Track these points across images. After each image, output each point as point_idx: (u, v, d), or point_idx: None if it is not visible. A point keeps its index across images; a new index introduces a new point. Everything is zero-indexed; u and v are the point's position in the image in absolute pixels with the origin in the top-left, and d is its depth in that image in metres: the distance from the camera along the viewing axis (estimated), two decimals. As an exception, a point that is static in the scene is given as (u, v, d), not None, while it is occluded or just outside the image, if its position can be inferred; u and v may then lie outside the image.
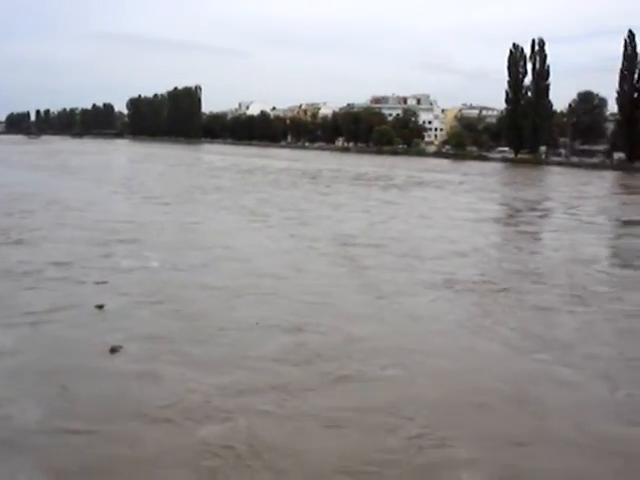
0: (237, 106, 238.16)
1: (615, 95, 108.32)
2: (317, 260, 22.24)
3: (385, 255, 23.21)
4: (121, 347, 12.53)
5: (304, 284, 18.45)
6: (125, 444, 8.83)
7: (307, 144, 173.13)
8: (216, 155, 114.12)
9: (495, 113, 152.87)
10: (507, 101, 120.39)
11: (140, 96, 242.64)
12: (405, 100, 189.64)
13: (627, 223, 37.94)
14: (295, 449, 8.78)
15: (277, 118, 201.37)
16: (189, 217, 32.67)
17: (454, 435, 9.35)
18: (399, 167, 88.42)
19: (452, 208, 40.06)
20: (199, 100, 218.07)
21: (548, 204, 46.97)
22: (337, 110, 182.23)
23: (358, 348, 12.98)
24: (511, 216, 39.37)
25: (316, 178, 65.13)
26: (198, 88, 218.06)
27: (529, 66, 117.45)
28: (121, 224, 28.61)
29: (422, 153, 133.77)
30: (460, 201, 45.22)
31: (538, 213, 41.17)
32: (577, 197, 52.71)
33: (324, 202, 41.80)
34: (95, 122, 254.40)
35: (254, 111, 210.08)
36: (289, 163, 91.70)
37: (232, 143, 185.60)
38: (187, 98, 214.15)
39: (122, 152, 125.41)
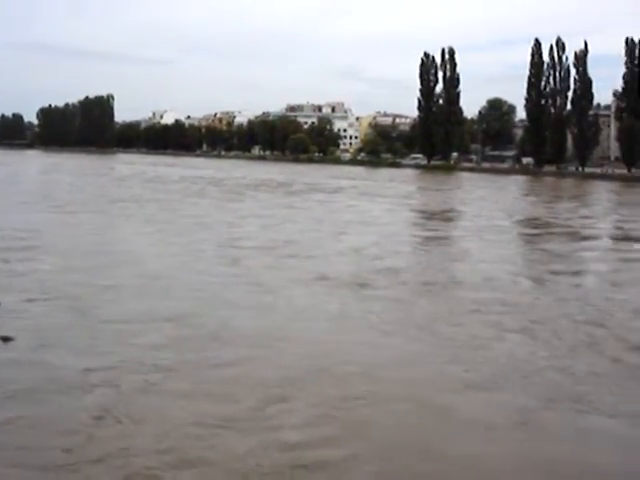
0: (151, 115, 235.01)
1: (523, 102, 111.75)
2: (205, 261, 22.73)
3: (269, 255, 23.80)
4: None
5: (191, 282, 19.00)
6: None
7: (223, 153, 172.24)
8: (127, 165, 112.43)
9: (408, 121, 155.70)
10: (419, 109, 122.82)
11: (51, 106, 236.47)
12: (320, 108, 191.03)
13: (520, 221, 39.76)
14: (154, 413, 9.75)
15: (192, 127, 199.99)
16: (92, 224, 32.61)
17: (298, 395, 10.55)
18: (310, 174, 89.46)
19: (350, 212, 40.99)
20: (112, 109, 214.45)
21: (443, 207, 48.76)
22: (253, 118, 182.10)
23: (229, 333, 14.05)
24: (404, 220, 39.79)
25: (223, 186, 64.72)
26: (110, 97, 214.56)
27: (440, 74, 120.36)
28: (22, 232, 28.13)
29: (338, 161, 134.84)
30: (360, 206, 46.11)
31: (430, 216, 42.62)
32: (473, 199, 54.89)
33: (226, 208, 42.27)
34: (4, 133, 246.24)
35: (168, 120, 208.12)
36: (202, 172, 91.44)
37: (146, 152, 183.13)
38: (99, 107, 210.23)
39: (31, 163, 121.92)
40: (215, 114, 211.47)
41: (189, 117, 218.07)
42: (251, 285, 18.66)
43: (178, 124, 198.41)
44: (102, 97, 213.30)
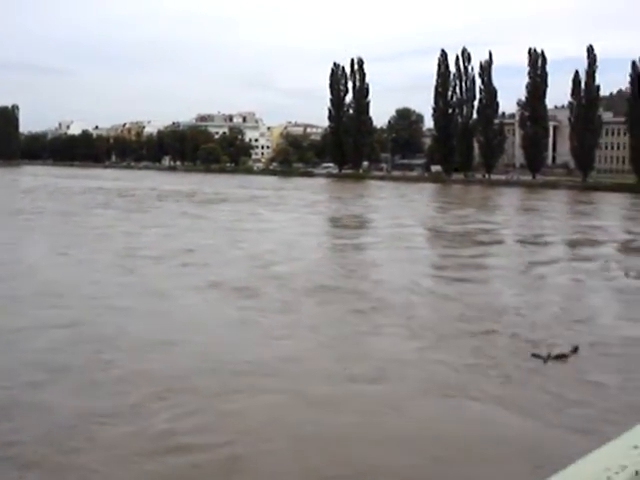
0: (57, 126, 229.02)
1: (431, 111, 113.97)
2: (102, 271, 22.60)
3: (166, 264, 23.92)
4: None
5: (86, 291, 18.98)
6: None
7: (132, 164, 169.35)
8: (32, 177, 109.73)
9: (319, 130, 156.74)
10: (330, 118, 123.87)
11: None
12: (231, 118, 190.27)
13: (422, 227, 41.10)
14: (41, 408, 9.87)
15: (100, 137, 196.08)
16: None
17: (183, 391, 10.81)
18: (220, 184, 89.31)
19: (255, 221, 41.34)
20: (16, 120, 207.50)
21: (349, 215, 49.66)
22: (162, 129, 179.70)
23: (123, 338, 14.19)
24: (307, 228, 39.87)
25: (130, 196, 63.90)
26: (15, 108, 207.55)
27: (350, 84, 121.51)
28: None
29: (250, 171, 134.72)
30: (265, 215, 46.61)
31: (334, 224, 43.62)
32: (381, 207, 56.39)
33: (130, 218, 42.02)
34: None
35: (75, 131, 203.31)
36: (109, 183, 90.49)
37: (53, 164, 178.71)
38: (3, 118, 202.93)
39: None
40: (124, 124, 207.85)
41: (97, 128, 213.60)
42: (146, 293, 18.75)
43: (85, 135, 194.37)
44: (6, 108, 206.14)
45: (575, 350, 13.02)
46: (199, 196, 65.45)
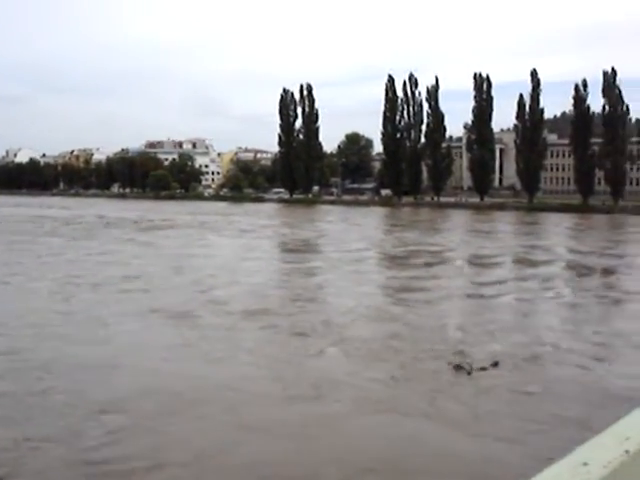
0: (4, 154, 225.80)
1: (380, 136, 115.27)
2: (40, 299, 22.40)
3: (106, 291, 23.77)
4: None
5: (24, 319, 18.81)
6: None
7: (81, 191, 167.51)
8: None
9: (269, 156, 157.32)
10: (280, 144, 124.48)
11: None
12: (181, 144, 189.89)
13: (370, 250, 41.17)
14: None
15: (48, 165, 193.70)
16: None
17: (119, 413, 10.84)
18: (168, 211, 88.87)
19: (200, 247, 41.28)
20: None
21: (298, 239, 49.87)
22: (111, 155, 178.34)
23: (60, 364, 14.15)
24: (252, 253, 40.04)
25: (76, 224, 63.42)
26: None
27: (299, 110, 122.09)
28: None
29: (201, 197, 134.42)
30: (211, 241, 46.64)
31: (281, 248, 43.96)
32: (332, 231, 56.93)
33: (74, 246, 41.49)
34: None
35: (23, 158, 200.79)
36: (55, 211, 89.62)
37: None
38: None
39: None
40: (72, 152, 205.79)
41: (44, 155, 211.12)
42: (86, 319, 18.68)
43: (33, 162, 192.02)
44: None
45: (495, 364, 13.64)
46: (146, 223, 65.17)
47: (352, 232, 55.48)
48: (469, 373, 13.13)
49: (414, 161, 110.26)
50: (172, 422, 10.87)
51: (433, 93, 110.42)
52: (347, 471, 9.31)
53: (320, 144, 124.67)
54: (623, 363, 14.78)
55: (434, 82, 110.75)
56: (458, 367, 13.41)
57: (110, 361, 14.28)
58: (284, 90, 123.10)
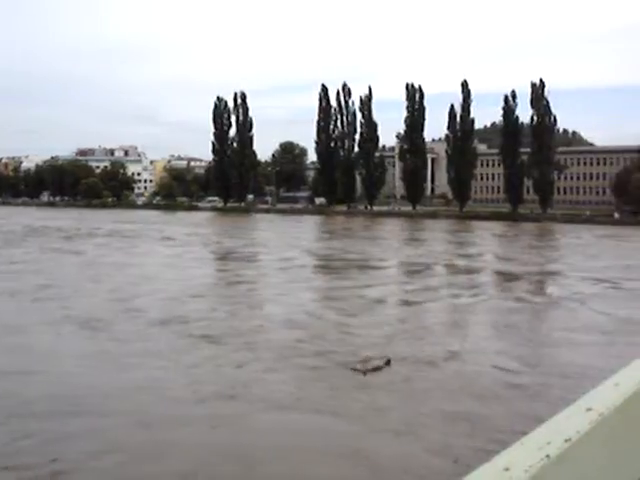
0: None
1: (314, 145, 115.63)
2: None
3: (19, 300, 23.72)
4: None
5: None
6: None
7: (10, 199, 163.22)
8: None
9: (203, 164, 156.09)
10: (214, 152, 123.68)
11: None
12: (112, 152, 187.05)
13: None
14: None
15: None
16: None
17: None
18: (97, 220, 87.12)
19: (123, 255, 41.28)
20: None
21: (229, 248, 49.91)
22: (41, 163, 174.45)
23: None
24: (177, 257, 40.33)
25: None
26: None
27: (233, 118, 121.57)
28: None
29: (133, 205, 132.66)
30: (137, 249, 46.44)
31: (205, 256, 44.53)
32: (264, 239, 57.15)
33: None
34: None
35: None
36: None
37: None
38: None
39: None
40: (0, 159, 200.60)
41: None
42: None
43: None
44: None
45: (388, 362, 14.72)
46: (72, 231, 64.18)
47: (285, 240, 55.52)
48: (364, 373, 14.08)
49: (348, 170, 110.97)
50: (74, 423, 11.10)
51: (366, 103, 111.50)
52: (248, 462, 9.79)
53: (254, 153, 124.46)
54: (504, 357, 15.92)
55: (367, 92, 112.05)
56: (355, 369, 14.36)
57: (21, 367, 14.38)
58: (218, 98, 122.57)
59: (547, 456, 1.35)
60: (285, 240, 56.10)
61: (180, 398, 12.51)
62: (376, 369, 14.38)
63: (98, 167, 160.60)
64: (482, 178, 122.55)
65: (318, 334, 18.11)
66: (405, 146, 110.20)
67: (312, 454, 10.20)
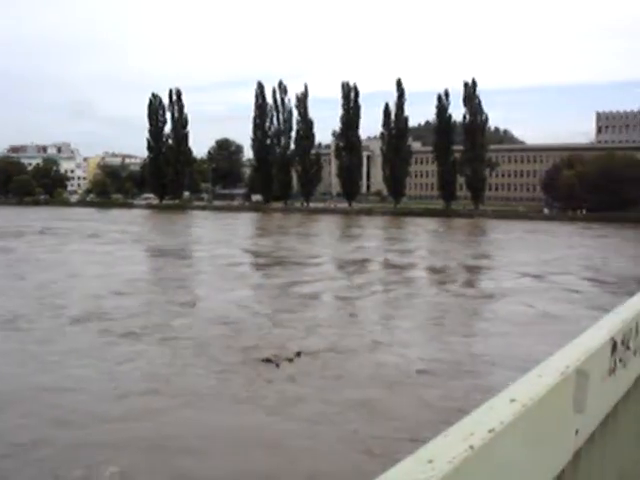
0: None
1: (250, 142, 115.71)
2: None
3: None
4: None
5: None
6: None
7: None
8: None
9: (138, 161, 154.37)
10: (149, 149, 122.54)
11: None
12: (45, 149, 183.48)
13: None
14: None
15: None
16: None
17: None
18: (25, 218, 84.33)
19: (50, 253, 40.26)
20: None
21: (162, 245, 49.31)
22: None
23: None
24: (106, 254, 39.86)
25: None
26: None
27: (169, 115, 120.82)
28: None
29: (66, 203, 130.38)
30: (68, 247, 45.15)
31: (142, 253, 43.70)
32: (200, 237, 57.16)
33: None
34: None
35: None
36: None
37: None
38: None
39: None
40: None
41: None
42: None
43: None
44: None
45: (298, 354, 15.18)
46: (1, 230, 62.17)
47: (220, 237, 55.52)
48: (277, 365, 14.46)
49: (284, 167, 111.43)
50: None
51: (302, 100, 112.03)
52: (167, 454, 10.00)
53: (190, 149, 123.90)
54: (418, 348, 16.66)
55: (303, 90, 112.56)
56: (267, 360, 14.74)
57: None
58: (153, 95, 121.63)
59: (471, 447, 1.35)
60: (220, 237, 56.05)
61: (101, 395, 12.60)
62: (289, 360, 14.80)
63: (30, 164, 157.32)
64: (416, 175, 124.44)
65: (242, 329, 18.29)
66: (341, 144, 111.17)
67: (229, 444, 10.49)
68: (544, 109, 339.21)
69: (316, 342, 16.63)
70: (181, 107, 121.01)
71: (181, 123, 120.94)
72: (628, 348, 2.73)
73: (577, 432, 2.10)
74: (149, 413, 11.63)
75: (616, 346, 2.53)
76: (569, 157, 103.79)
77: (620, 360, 2.59)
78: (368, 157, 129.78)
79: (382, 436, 10.53)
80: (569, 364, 2.01)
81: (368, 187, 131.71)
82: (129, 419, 11.31)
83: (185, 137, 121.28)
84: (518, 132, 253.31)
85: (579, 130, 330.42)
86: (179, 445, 10.20)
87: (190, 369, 14.32)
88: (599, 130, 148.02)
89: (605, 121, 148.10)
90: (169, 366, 14.58)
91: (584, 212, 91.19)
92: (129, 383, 13.29)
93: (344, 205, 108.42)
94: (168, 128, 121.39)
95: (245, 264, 37.38)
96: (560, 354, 2.14)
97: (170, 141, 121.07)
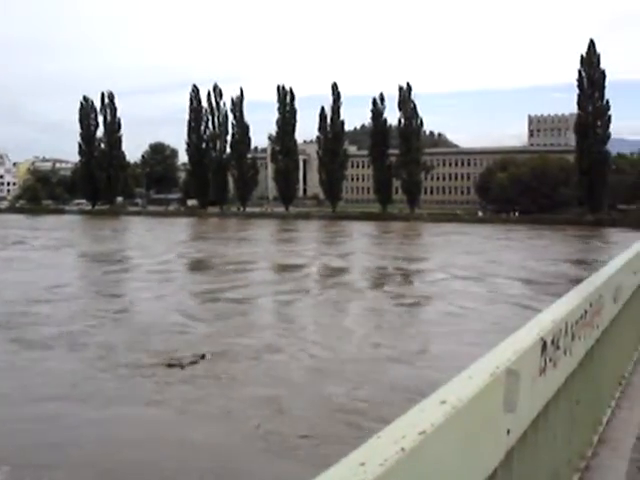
0: None
1: (185, 146, 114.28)
2: None
3: None
4: None
5: None
6: None
7: None
8: None
9: (70, 165, 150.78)
10: (81, 153, 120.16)
11: None
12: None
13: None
14: None
15: None
16: None
17: None
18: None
19: None
20: None
21: (80, 250, 48.19)
22: None
23: None
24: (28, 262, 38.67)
25: None
26: None
27: (101, 118, 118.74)
28: None
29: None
30: None
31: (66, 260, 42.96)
32: (134, 243, 56.52)
33: None
34: None
35: None
36: None
37: None
38: None
39: None
40: None
41: None
42: None
43: None
44: None
45: (203, 357, 15.69)
46: None
47: (153, 243, 54.51)
48: (182, 367, 14.90)
49: (220, 171, 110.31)
50: None
51: (238, 104, 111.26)
52: (77, 456, 10.22)
53: (123, 153, 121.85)
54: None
55: (239, 93, 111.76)
56: (170, 365, 15.11)
57: None
58: (84, 98, 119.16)
59: (402, 449, 1.36)
60: (154, 243, 55.04)
61: (10, 401, 12.61)
62: (193, 363, 15.22)
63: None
64: (353, 179, 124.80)
65: (154, 333, 18.35)
66: (277, 147, 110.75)
67: (139, 444, 10.65)
68: (477, 113, 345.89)
69: (223, 344, 17.02)
70: (114, 110, 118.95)
71: (113, 127, 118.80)
72: (558, 348, 2.82)
73: (509, 432, 2.14)
74: (58, 418, 11.73)
75: (546, 346, 2.60)
76: (502, 160, 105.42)
77: (550, 360, 2.67)
78: (304, 161, 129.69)
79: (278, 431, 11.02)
80: (499, 365, 2.04)
81: (305, 191, 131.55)
82: (38, 423, 11.28)
83: (118, 141, 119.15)
84: (452, 136, 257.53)
85: (512, 133, 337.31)
86: (86, 448, 10.37)
87: (101, 374, 14.44)
88: (531, 133, 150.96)
89: (537, 124, 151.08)
90: (79, 371, 14.60)
91: (517, 214, 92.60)
92: (38, 388, 13.27)
93: (281, 209, 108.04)
94: (101, 132, 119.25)
95: (177, 270, 36.69)
96: (490, 355, 2.17)
97: (102, 145, 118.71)
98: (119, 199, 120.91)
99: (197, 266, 38.04)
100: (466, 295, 26.08)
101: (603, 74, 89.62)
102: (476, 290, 27.79)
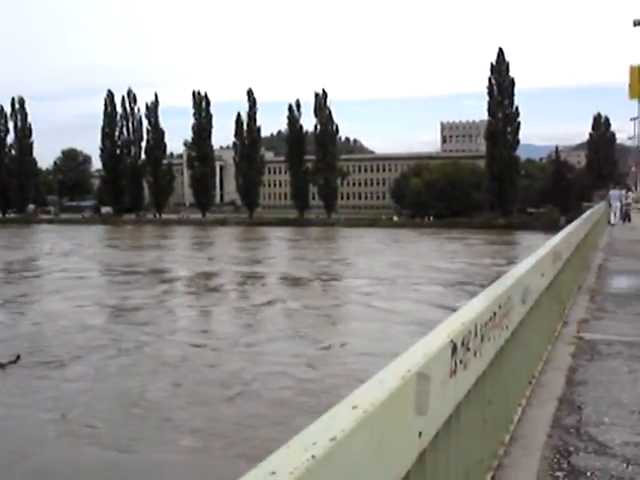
0: None
1: (99, 152, 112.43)
2: None
3: None
4: None
5: None
6: None
7: None
8: None
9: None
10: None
11: None
12: None
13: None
14: None
15: None
16: None
17: None
18: None
19: None
20: None
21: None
22: None
23: None
24: None
25: None
26: None
27: (11, 124, 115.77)
28: None
29: None
30: None
31: None
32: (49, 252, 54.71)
33: None
34: None
35: None
36: None
37: None
38: None
39: None
40: None
41: None
42: None
43: None
44: None
45: (18, 358, 16.69)
46: None
47: (67, 251, 53.75)
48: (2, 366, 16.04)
49: (135, 178, 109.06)
50: None
51: (153, 109, 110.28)
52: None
53: (35, 160, 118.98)
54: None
55: (154, 99, 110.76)
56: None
57: None
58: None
59: (312, 457, 1.35)
60: (65, 251, 54.24)
61: None
62: (11, 362, 16.40)
63: None
64: (270, 185, 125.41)
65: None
66: (193, 153, 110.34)
67: None
68: (392, 119, 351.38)
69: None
70: (24, 116, 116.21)
71: (24, 133, 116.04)
72: (468, 349, 2.84)
73: (420, 434, 2.17)
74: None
75: (456, 348, 2.62)
76: (416, 166, 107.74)
77: (461, 362, 2.70)
78: (221, 167, 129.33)
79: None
80: (410, 368, 2.08)
81: (222, 197, 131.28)
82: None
83: (29, 147, 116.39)
84: (367, 142, 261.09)
85: (425, 140, 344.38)
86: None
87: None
88: (444, 140, 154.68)
89: (449, 131, 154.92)
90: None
91: (431, 218, 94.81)
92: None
93: (198, 216, 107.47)
94: (11, 138, 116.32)
95: (85, 278, 36.38)
96: (401, 358, 2.20)
97: (13, 151, 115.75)
98: (31, 207, 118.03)
99: (112, 274, 37.66)
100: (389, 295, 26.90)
101: (512, 82, 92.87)
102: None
